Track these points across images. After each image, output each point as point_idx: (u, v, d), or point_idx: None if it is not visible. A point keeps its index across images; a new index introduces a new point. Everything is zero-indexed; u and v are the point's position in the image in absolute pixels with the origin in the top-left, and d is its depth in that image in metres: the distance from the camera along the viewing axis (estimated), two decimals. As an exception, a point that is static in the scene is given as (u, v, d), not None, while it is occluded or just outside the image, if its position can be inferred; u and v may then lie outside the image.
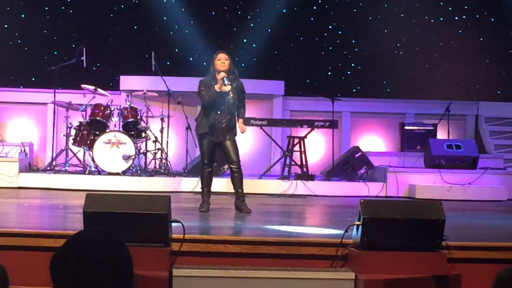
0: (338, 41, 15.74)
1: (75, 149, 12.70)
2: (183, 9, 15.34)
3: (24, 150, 13.00)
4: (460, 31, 15.82)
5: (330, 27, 15.77)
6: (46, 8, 15.17)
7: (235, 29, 15.50)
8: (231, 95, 9.03)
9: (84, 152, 12.59)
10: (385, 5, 15.75)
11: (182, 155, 13.45)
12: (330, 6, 15.75)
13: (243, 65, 14.15)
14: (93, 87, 12.65)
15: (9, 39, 14.93)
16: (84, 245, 2.69)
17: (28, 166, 12.84)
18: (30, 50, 14.93)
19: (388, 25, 15.67)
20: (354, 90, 15.47)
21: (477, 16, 15.78)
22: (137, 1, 15.37)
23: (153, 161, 12.88)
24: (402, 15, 15.67)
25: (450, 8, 15.81)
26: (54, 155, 12.97)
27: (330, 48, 15.72)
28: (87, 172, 12.31)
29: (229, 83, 8.93)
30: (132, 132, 12.40)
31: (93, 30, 14.86)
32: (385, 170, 12.54)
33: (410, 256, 6.02)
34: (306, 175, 12.52)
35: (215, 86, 8.88)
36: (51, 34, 15.05)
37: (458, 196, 12.03)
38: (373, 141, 14.74)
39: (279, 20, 15.47)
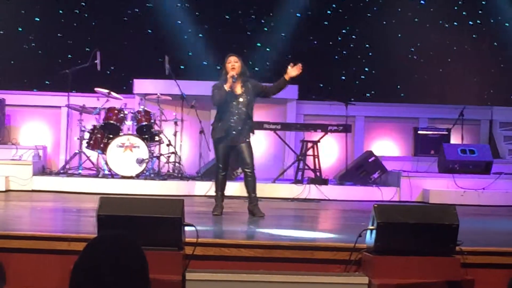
0: (352, 45, 15.70)
1: (88, 152, 12.71)
2: (197, 13, 15.35)
3: (38, 153, 13.03)
4: (474, 36, 15.76)
5: (344, 31, 15.74)
6: (61, 12, 15.19)
7: (248, 33, 15.49)
8: (244, 97, 9.07)
9: (98, 156, 12.61)
10: (399, 10, 15.71)
11: (195, 158, 13.46)
12: (344, 10, 15.71)
13: (256, 69, 14.16)
14: (107, 91, 12.68)
15: (23, 43, 14.95)
16: (102, 251, 2.70)
17: (42, 169, 12.87)
18: (44, 53, 14.95)
19: (402, 30, 15.62)
20: (368, 95, 15.41)
21: (492, 20, 15.72)
22: (151, 5, 15.38)
23: (167, 164, 12.89)
24: (416, 19, 15.62)
25: (464, 13, 15.75)
26: (68, 158, 13.00)
27: (344, 52, 15.68)
28: (100, 176, 12.33)
29: (234, 81, 8.98)
30: (146, 136, 12.41)
31: (107, 33, 14.85)
32: (399, 175, 12.50)
33: (423, 261, 6.00)
34: (319, 180, 12.50)
35: (225, 86, 8.95)
36: (65, 38, 15.06)
37: (472, 201, 11.98)
38: (386, 146, 14.71)
39: (293, 24, 15.45)
